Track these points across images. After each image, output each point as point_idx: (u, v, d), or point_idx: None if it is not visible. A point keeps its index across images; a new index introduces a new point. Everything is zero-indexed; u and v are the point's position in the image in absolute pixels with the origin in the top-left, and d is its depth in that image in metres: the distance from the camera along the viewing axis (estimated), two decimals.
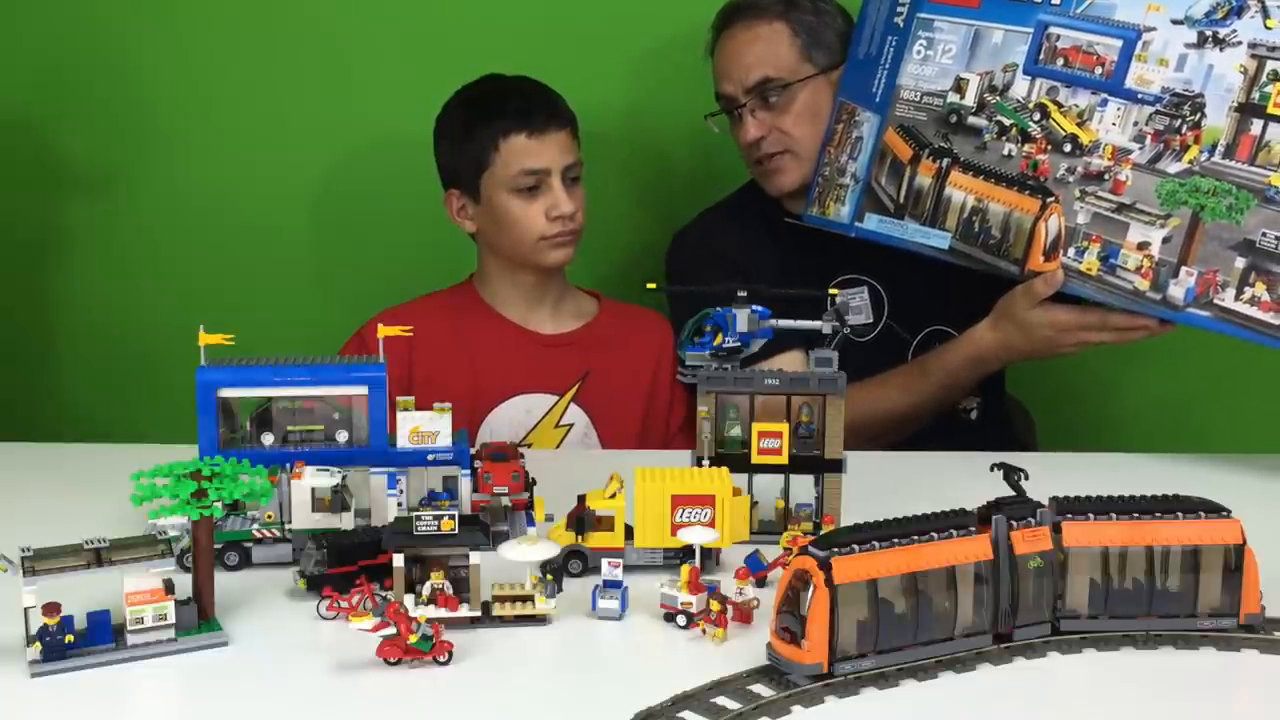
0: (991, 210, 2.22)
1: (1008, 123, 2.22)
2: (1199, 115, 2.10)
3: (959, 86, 2.27)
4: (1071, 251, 2.16)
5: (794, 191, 2.49)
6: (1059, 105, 2.19)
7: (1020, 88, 2.22)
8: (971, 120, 2.26)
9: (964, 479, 1.63)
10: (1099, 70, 2.17)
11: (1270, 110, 2.06)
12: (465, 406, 2.22)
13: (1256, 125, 2.07)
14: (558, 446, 2.44)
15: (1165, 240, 2.10)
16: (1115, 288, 2.13)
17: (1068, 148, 2.18)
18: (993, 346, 2.29)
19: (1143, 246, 2.11)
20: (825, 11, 2.49)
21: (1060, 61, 2.20)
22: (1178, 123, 2.11)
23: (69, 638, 1.41)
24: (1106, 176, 2.15)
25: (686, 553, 1.61)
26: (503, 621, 1.52)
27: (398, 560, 1.50)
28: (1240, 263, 2.05)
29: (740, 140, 2.50)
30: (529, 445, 2.39)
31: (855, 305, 2.49)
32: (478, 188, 2.43)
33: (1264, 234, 2.04)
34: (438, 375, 2.40)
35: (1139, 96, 2.14)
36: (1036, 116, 2.20)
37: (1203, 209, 2.07)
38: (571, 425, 2.46)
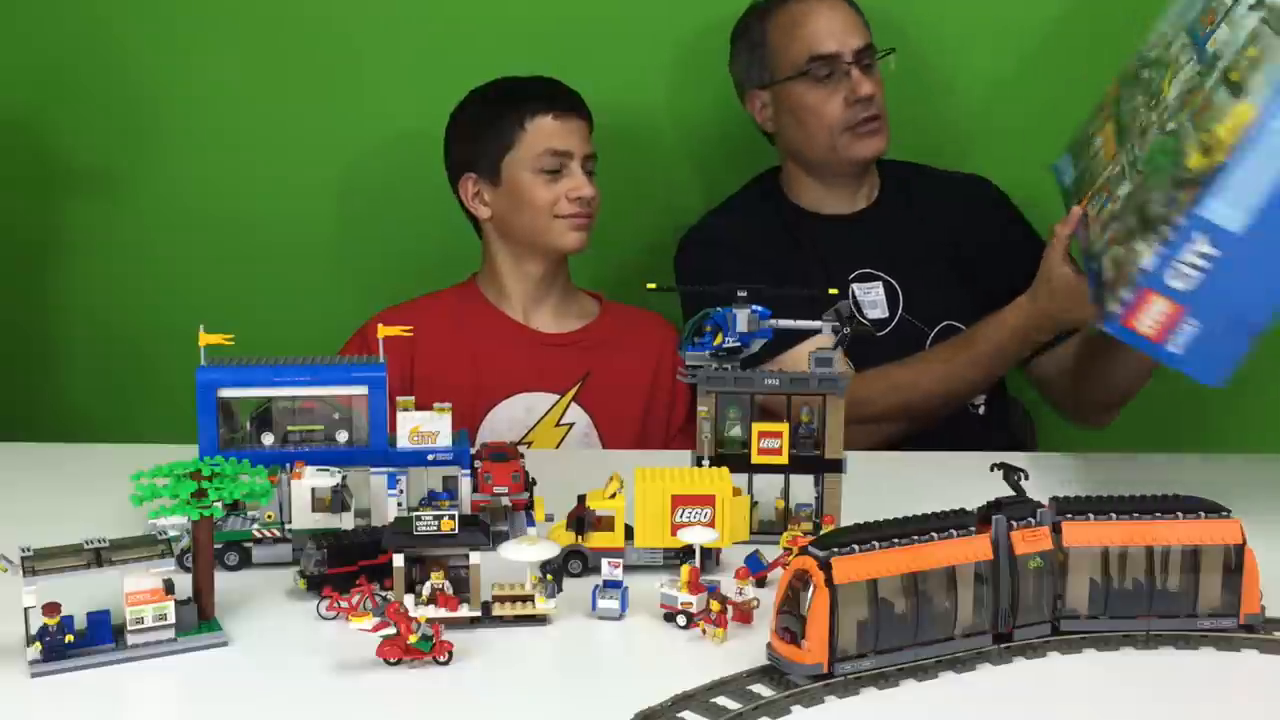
0: None
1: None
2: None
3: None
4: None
5: (876, 159, 2.52)
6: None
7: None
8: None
9: (964, 479, 1.63)
10: None
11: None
12: (466, 404, 2.22)
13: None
14: (558, 446, 2.44)
15: None
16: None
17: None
18: (1028, 310, 2.22)
19: None
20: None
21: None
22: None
23: (69, 638, 1.41)
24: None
25: (686, 553, 1.61)
26: (503, 621, 1.52)
27: (398, 560, 1.50)
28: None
29: (849, 98, 2.45)
30: (529, 444, 2.38)
31: (870, 300, 2.50)
32: (499, 170, 2.44)
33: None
34: (438, 373, 2.40)
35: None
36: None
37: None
38: (572, 425, 2.46)
